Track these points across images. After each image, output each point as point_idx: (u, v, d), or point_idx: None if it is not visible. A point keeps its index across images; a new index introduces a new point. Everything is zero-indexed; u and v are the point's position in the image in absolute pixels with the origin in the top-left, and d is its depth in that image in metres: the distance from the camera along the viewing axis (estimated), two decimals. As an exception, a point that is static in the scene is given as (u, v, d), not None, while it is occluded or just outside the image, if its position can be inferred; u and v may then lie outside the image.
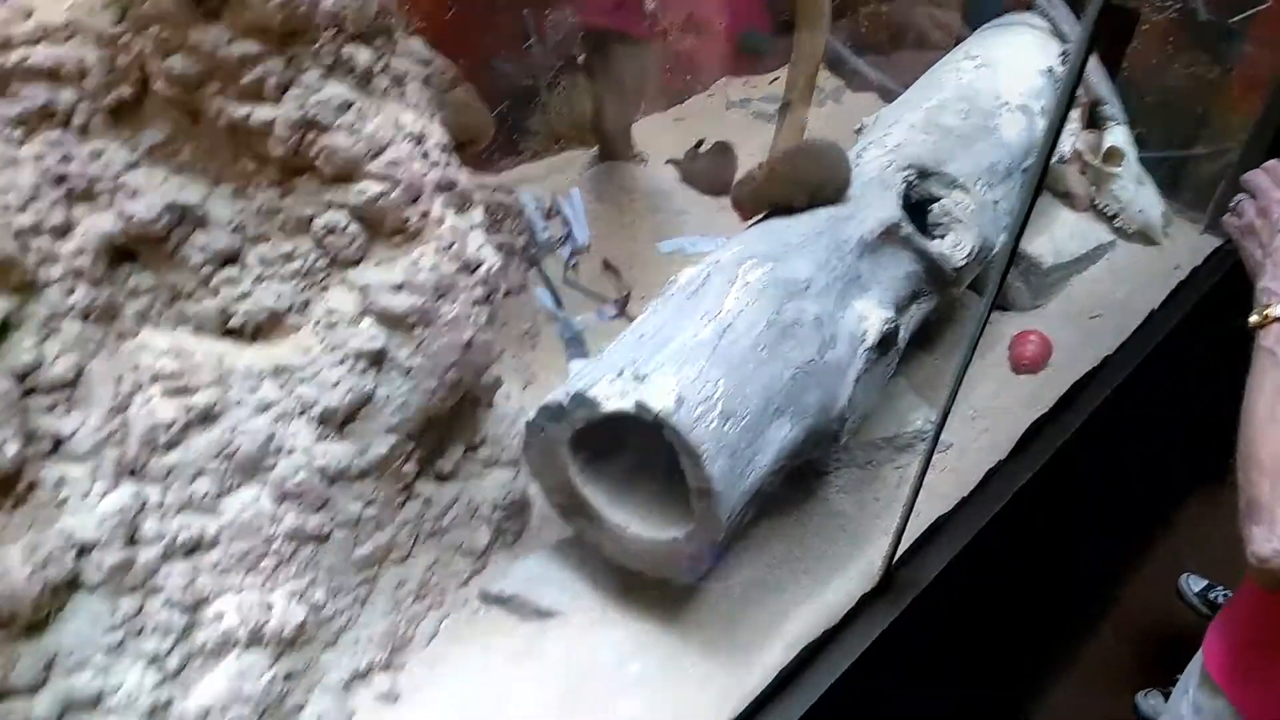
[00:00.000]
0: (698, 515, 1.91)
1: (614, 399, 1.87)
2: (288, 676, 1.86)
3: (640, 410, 1.83)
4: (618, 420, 2.00)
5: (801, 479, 2.63)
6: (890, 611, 2.33)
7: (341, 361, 1.78)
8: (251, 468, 1.77)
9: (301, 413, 1.80)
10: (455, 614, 2.27)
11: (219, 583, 1.77)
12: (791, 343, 2.10)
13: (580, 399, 1.90)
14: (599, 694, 2.09)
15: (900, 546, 2.32)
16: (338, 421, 1.82)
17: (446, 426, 2.12)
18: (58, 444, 1.59)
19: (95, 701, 1.68)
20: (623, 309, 3.22)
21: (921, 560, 2.49)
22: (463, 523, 2.21)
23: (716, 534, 1.93)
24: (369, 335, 1.79)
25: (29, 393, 1.56)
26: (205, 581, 1.75)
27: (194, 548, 1.74)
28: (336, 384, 1.78)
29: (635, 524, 2.07)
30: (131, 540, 1.67)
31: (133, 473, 1.67)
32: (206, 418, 1.72)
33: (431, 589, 2.18)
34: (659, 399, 1.82)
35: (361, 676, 2.06)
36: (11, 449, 1.49)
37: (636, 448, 2.22)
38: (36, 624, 1.61)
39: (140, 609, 1.69)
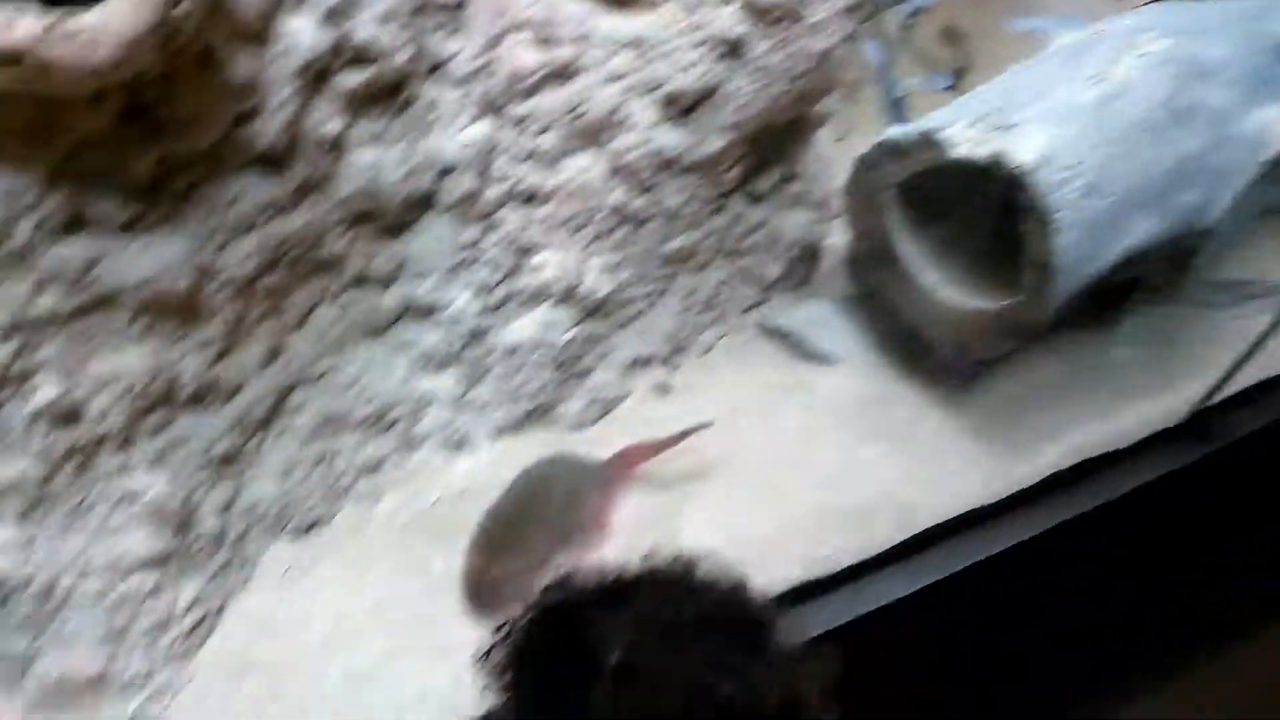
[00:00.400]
0: (1026, 289, 1.78)
1: (967, 145, 1.74)
2: (585, 340, 2.00)
3: (996, 161, 1.68)
4: (953, 175, 1.87)
5: (1124, 295, 2.39)
6: (1189, 453, 2.13)
7: (700, 44, 1.75)
8: (593, 134, 1.83)
9: (650, 90, 1.81)
10: (732, 336, 2.32)
11: (546, 237, 1.88)
12: (1183, 131, 1.84)
13: (928, 139, 1.78)
14: (859, 435, 2.09)
15: (1219, 396, 2.09)
16: (682, 106, 1.82)
17: (772, 146, 2.07)
18: (435, 66, 1.70)
19: (429, 312, 1.90)
20: (956, 83, 2.94)
21: (1238, 417, 2.24)
22: (760, 250, 2.21)
23: (1040, 314, 1.80)
24: (733, 21, 1.74)
25: (420, 9, 1.66)
26: (534, 233, 1.87)
27: (530, 198, 1.85)
28: (690, 67, 1.76)
29: (946, 288, 1.97)
30: (482, 174, 1.79)
31: (494, 111, 1.77)
32: (562, 75, 1.77)
33: (717, 304, 2.23)
34: (1023, 152, 1.66)
35: (643, 364, 2.18)
36: (403, 56, 1.60)
37: (958, 215, 2.08)
38: (394, 228, 1.80)
39: (478, 241, 1.85)
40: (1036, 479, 2.03)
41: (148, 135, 1.33)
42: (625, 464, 1.96)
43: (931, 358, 2.21)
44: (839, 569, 1.88)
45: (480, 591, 1.70)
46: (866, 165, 1.93)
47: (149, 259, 1.42)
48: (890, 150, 1.86)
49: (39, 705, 1.55)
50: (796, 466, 2.06)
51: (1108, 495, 2.05)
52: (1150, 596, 2.20)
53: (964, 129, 1.75)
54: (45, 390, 1.37)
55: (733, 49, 1.77)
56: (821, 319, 2.28)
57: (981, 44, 3.06)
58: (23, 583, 1.43)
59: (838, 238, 2.50)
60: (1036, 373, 2.26)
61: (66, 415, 1.40)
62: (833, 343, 2.25)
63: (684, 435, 1.98)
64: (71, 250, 1.36)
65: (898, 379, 2.23)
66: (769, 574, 1.84)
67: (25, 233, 1.31)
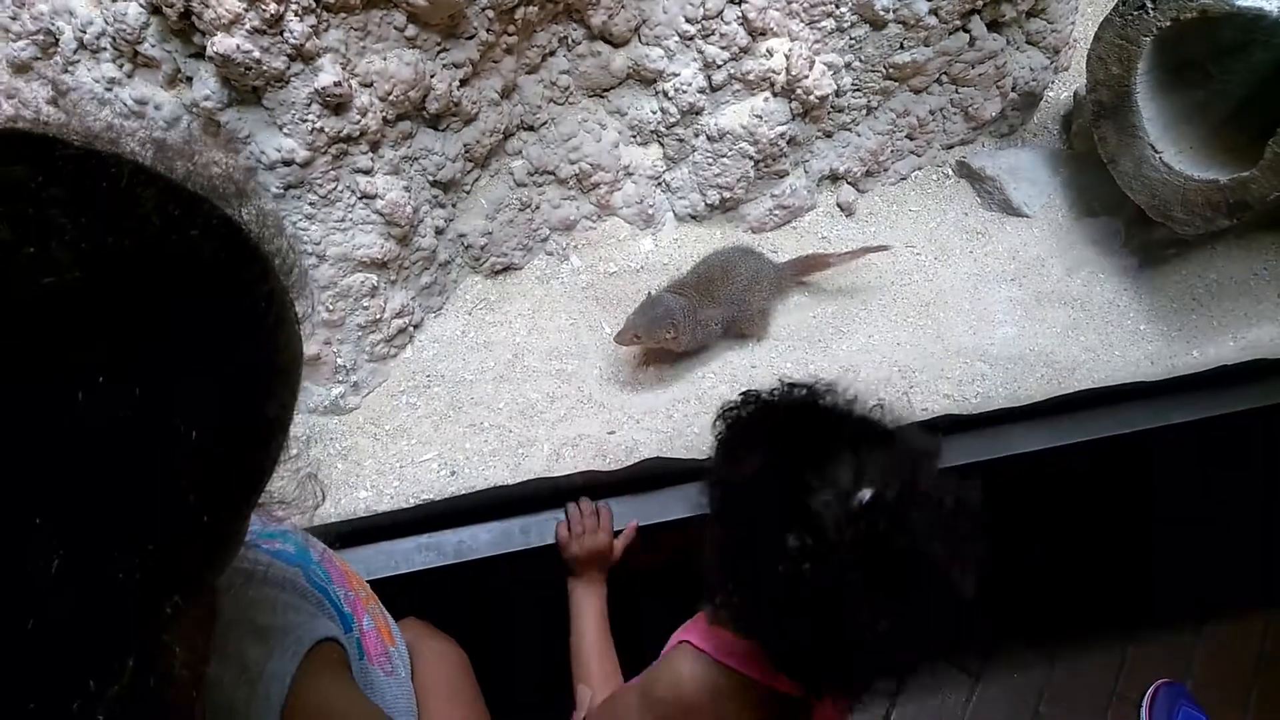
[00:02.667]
0: (1267, 161, 1.71)
1: (1257, -3, 1.63)
2: (790, 141, 1.98)
3: (1286, 18, 1.58)
4: (1221, 32, 1.77)
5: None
6: (1365, 375, 2.08)
7: None
8: (860, -81, 1.75)
9: (932, -118, 1.71)
10: (929, 170, 2.29)
11: (783, 23, 1.84)
12: None
13: (1215, -15, 1.67)
14: (1031, 291, 2.09)
15: None
16: (959, -95, 1.72)
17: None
18: None
19: (652, 80, 1.89)
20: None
21: None
22: (984, 84, 2.13)
23: (1268, 190, 1.73)
24: None
25: None
26: (774, 15, 1.82)
27: (779, -22, 1.79)
28: None
29: (1176, 154, 1.90)
30: (741, -58, 1.74)
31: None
32: None
33: (924, 132, 2.18)
34: (1318, 13, 1.56)
35: (833, 179, 2.17)
36: None
37: (1207, 81, 1.98)
38: (641, -13, 1.77)
39: (720, 13, 1.81)
40: (1204, 368, 2.01)
41: None
42: (802, 269, 2.00)
43: (1128, 227, 2.16)
44: (985, 411, 1.92)
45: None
46: (1131, 5, 1.82)
47: (433, -39, 1.43)
48: (1164, -7, 1.75)
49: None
50: (961, 309, 2.07)
51: (1272, 399, 2.03)
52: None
53: (1257, -18, 1.64)
54: (326, 74, 1.41)
55: None
56: (1023, 169, 2.22)
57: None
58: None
59: (1060, 91, 2.41)
60: (1227, 266, 2.20)
61: (337, 105, 1.46)
62: (1028, 195, 2.21)
63: (862, 252, 2.00)
64: (371, -61, 1.37)
65: (1085, 243, 2.20)
66: (914, 402, 1.91)
67: (336, -88, 1.32)
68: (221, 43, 1.34)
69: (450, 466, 1.65)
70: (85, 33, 1.45)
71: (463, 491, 1.62)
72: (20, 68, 1.56)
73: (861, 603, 0.86)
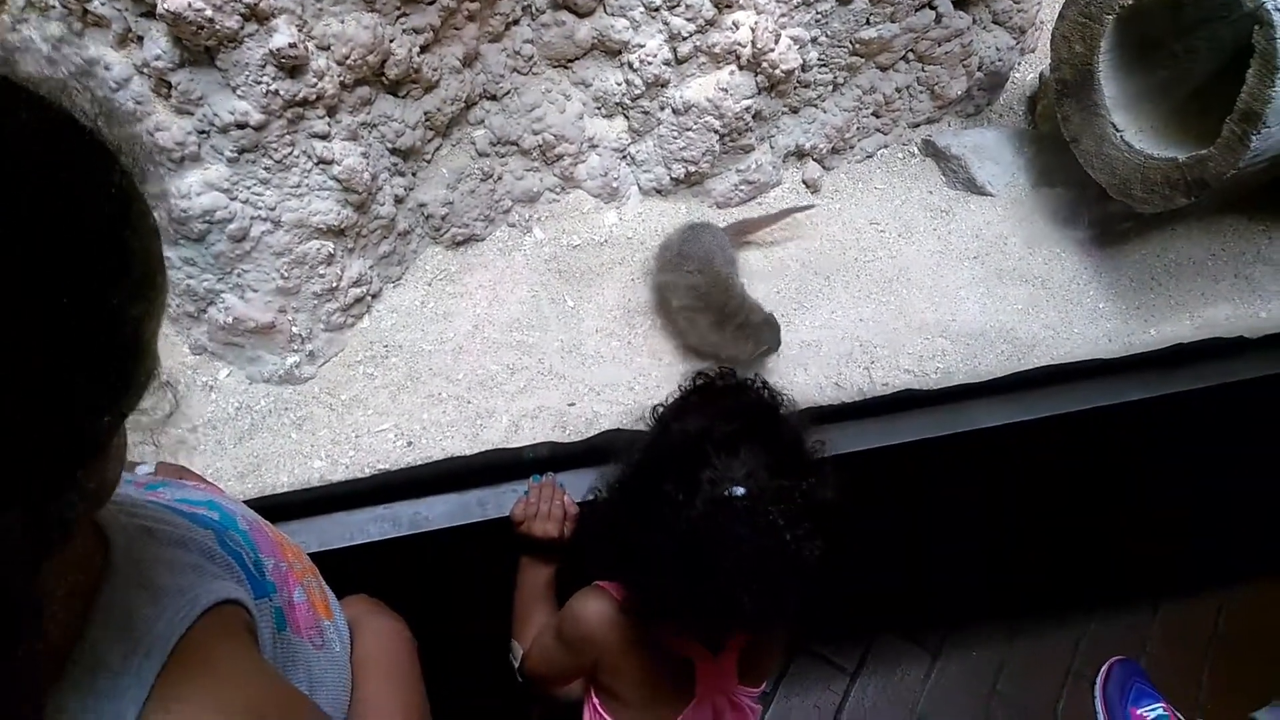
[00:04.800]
0: (1224, 140, 1.72)
1: (1215, -24, 1.64)
2: (755, 115, 1.98)
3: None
4: (1182, 11, 1.78)
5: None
6: (1317, 357, 2.11)
7: None
8: (827, -108, 1.74)
9: None
10: (894, 148, 2.29)
11: (747, -5, 1.83)
12: None
13: (1175, -36, 1.68)
14: (994, 268, 2.10)
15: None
16: (926, -122, 1.72)
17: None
18: None
19: (617, 51, 1.87)
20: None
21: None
22: (950, 62, 2.14)
23: (1226, 167, 1.75)
24: None
25: None
26: (738, -13, 1.81)
27: (742, -51, 1.78)
28: None
29: (1137, 132, 1.92)
30: (706, -89, 1.72)
31: None
32: None
33: (890, 110, 2.18)
34: (1277, -8, 1.57)
35: (799, 156, 2.16)
36: None
37: (1168, 61, 2.00)
38: (606, -47, 1.75)
39: (684, -17, 1.79)
40: (1161, 345, 2.04)
41: None
42: (738, 232, 1.99)
43: (1089, 206, 2.18)
44: (945, 387, 1.93)
45: None
46: (1094, -16, 1.83)
47: (390, -77, 1.41)
48: (1128, -29, 1.76)
49: (209, 342, 1.67)
50: (924, 286, 2.08)
51: (1226, 377, 2.06)
52: (1237, 496, 2.23)
53: (1218, -39, 1.65)
54: (281, 35, 1.39)
55: None
56: (987, 148, 2.23)
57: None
58: (223, 221, 1.51)
59: (1026, 72, 2.42)
60: (1186, 247, 2.23)
61: (292, 67, 1.43)
62: (992, 174, 2.22)
63: (787, 213, 2.02)
64: (324, -105, 1.34)
65: (1047, 221, 2.22)
66: (875, 377, 1.92)
67: None
68: (173, 1, 1.31)
69: (407, 437, 1.64)
70: (31, -11, 1.41)
71: (419, 462, 1.61)
72: (-37, 25, 1.51)
73: (699, 563, 1.03)
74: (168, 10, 1.32)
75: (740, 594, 1.02)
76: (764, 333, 1.78)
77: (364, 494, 1.56)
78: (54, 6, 1.43)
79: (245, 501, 1.42)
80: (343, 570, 1.21)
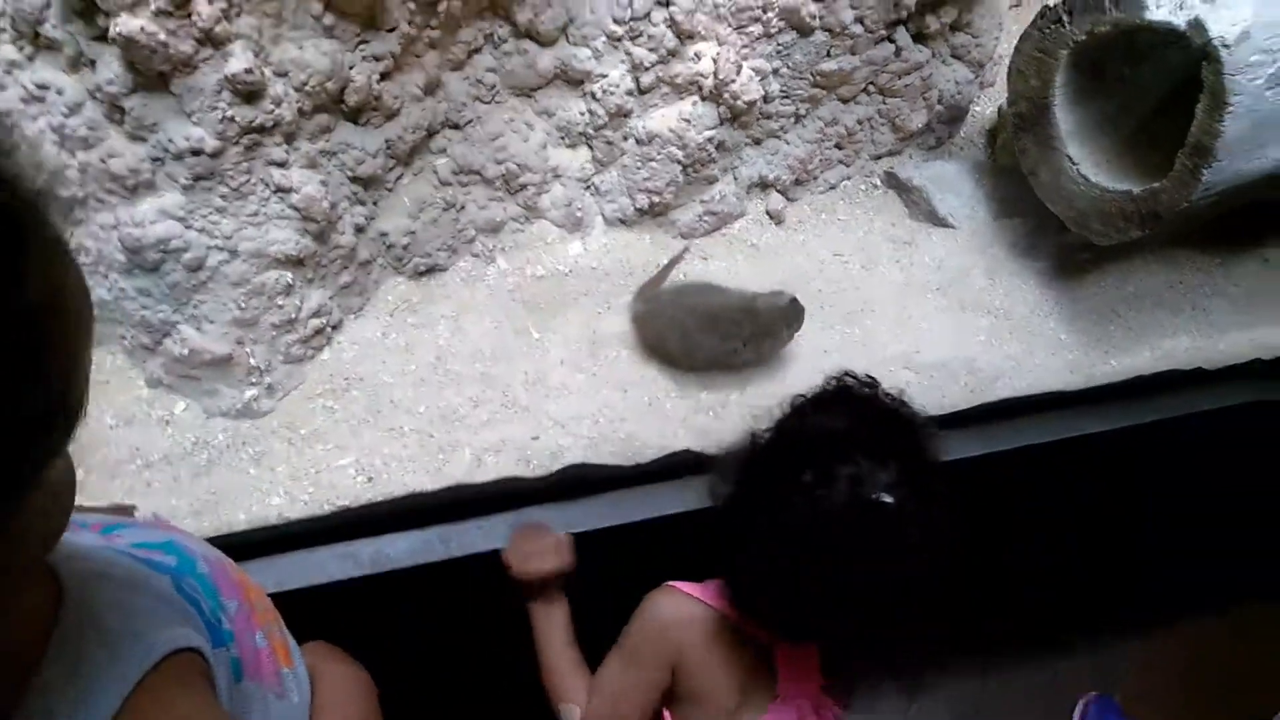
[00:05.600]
0: (1176, 173, 1.76)
1: (1166, 9, 1.68)
2: (719, 146, 1.98)
3: (1194, 28, 1.63)
4: (1134, 45, 1.82)
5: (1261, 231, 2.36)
6: (1274, 391, 2.14)
7: None
8: (788, -73, 1.76)
9: (857, -109, 1.73)
10: (857, 179, 2.31)
11: (710, 26, 1.84)
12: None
13: (1126, -2, 1.72)
14: (956, 300, 2.12)
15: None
16: (885, -85, 1.75)
17: (953, -16, 2.00)
18: None
19: (579, 81, 1.87)
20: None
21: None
22: (911, 95, 2.16)
23: (1178, 200, 1.78)
24: None
25: None
26: (702, 19, 1.82)
27: (706, -19, 1.79)
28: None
29: (1092, 164, 1.95)
30: (670, -56, 1.73)
31: (697, -122, 1.69)
32: None
33: (852, 142, 2.20)
34: (1223, 24, 1.61)
35: (762, 187, 2.17)
36: None
37: (1121, 93, 2.04)
38: (565, -16, 1.75)
39: (647, 14, 1.80)
40: (1121, 376, 2.06)
41: None
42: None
43: (1050, 238, 2.21)
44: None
45: None
46: (1049, 19, 1.87)
47: (351, -51, 1.40)
48: (1080, 4, 1.80)
49: (165, 375, 1.62)
50: (888, 317, 2.09)
51: (1186, 409, 2.08)
52: (1202, 527, 2.24)
53: (1165, -6, 1.69)
54: (236, 61, 1.36)
55: None
56: (949, 180, 2.26)
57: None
58: (179, 250, 1.47)
59: (985, 106, 2.46)
60: (1145, 279, 2.27)
61: (249, 93, 1.40)
62: (953, 206, 2.24)
63: (674, 262, 2.01)
64: (284, -80, 1.33)
65: (1008, 254, 2.24)
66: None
67: (247, -110, 1.28)
68: (125, 24, 1.28)
69: (368, 473, 1.60)
70: (-20, 12, 1.37)
71: (380, 498, 1.56)
72: (-92, 49, 1.47)
73: (832, 566, 1.01)
74: (120, 34, 1.29)
75: (855, 595, 1.02)
76: (790, 313, 1.81)
77: (323, 532, 1.51)
78: (4, 30, 1.40)
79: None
80: (302, 611, 1.16)
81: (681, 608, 1.20)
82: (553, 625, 1.33)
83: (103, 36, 1.34)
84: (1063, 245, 2.19)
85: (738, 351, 1.82)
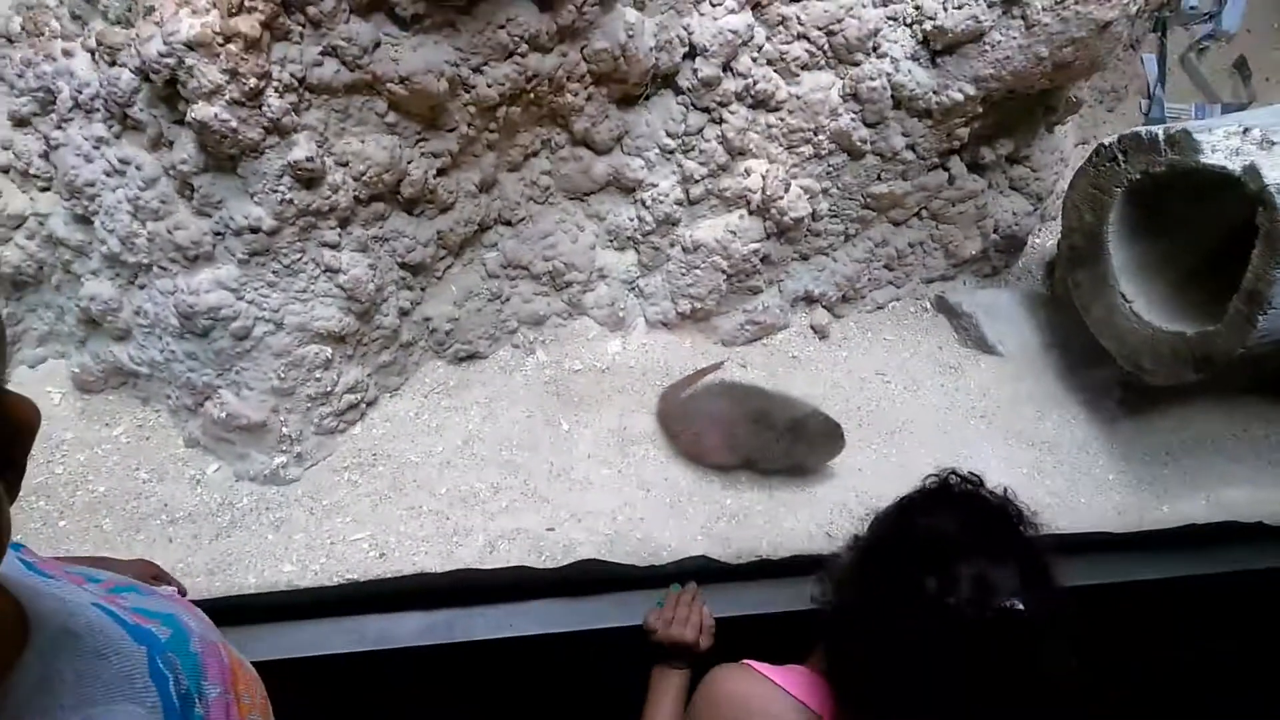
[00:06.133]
0: (1230, 317, 1.71)
1: (1224, 153, 1.66)
2: (764, 259, 2.01)
3: (1249, 174, 1.61)
4: (1188, 187, 1.80)
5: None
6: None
7: (978, -14, 1.71)
8: (843, 54, 1.82)
9: (912, 23, 1.78)
10: (905, 301, 2.30)
11: (762, 145, 1.89)
12: None
13: (1183, 138, 1.71)
14: (1001, 430, 2.07)
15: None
16: (938, 46, 1.79)
17: (1013, 116, 2.02)
18: (718, -54, 1.72)
19: (631, 189, 1.94)
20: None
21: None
22: (965, 223, 2.17)
23: (1233, 346, 1.72)
24: (1019, -30, 1.69)
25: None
26: (753, 137, 1.88)
27: (761, 102, 1.86)
28: (961, 6, 1.72)
29: (1145, 303, 1.91)
30: (726, 66, 1.80)
31: (756, 6, 1.77)
32: (835, -13, 1.76)
33: (901, 265, 2.21)
34: (1277, 171, 1.59)
35: (808, 301, 2.18)
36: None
37: (1175, 234, 2.00)
38: (628, 98, 1.83)
39: (700, 130, 1.87)
40: (1174, 523, 1.96)
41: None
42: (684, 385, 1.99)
43: (1100, 373, 2.15)
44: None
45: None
46: (1104, 157, 1.87)
47: (419, 57, 1.50)
48: (1135, 144, 1.79)
49: (203, 436, 1.69)
50: (928, 441, 2.05)
51: (1244, 564, 1.96)
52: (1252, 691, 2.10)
53: (1223, 137, 1.68)
54: (300, 149, 1.46)
55: None
56: (1001, 309, 2.23)
57: (1274, 84, 2.89)
58: (228, 319, 1.55)
59: (1046, 238, 2.44)
60: (1205, 424, 2.17)
61: (309, 179, 1.50)
62: (1003, 334, 2.21)
63: (701, 373, 2.01)
64: (361, 29, 1.44)
65: (1058, 387, 2.19)
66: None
67: (331, 1, 1.39)
68: (202, 110, 1.39)
69: (381, 548, 1.62)
70: (81, 93, 1.51)
71: (390, 574, 1.58)
72: (20, 121, 1.63)
73: (960, 677, 0.96)
74: (196, 119, 1.40)
75: (981, 707, 0.97)
76: (833, 437, 1.82)
77: (328, 602, 1.53)
78: (97, 110, 1.53)
79: (210, 599, 1.41)
80: (302, 682, 1.17)
81: (767, 694, 1.13)
82: (667, 694, 1.33)
83: (182, 120, 1.46)
84: (1116, 382, 2.13)
85: (780, 453, 1.81)
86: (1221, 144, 1.66)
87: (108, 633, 0.79)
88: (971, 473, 1.14)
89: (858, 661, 1.06)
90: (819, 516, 1.84)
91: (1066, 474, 2.03)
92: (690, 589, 1.43)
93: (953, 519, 1.06)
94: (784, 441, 1.78)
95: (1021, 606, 0.95)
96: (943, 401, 2.13)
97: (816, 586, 1.19)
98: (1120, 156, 1.84)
